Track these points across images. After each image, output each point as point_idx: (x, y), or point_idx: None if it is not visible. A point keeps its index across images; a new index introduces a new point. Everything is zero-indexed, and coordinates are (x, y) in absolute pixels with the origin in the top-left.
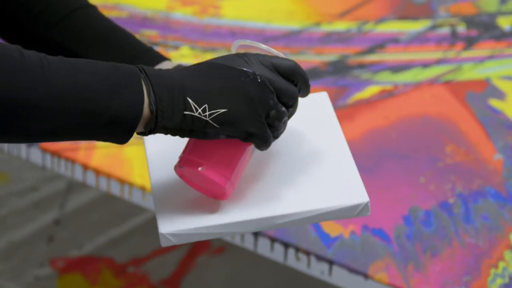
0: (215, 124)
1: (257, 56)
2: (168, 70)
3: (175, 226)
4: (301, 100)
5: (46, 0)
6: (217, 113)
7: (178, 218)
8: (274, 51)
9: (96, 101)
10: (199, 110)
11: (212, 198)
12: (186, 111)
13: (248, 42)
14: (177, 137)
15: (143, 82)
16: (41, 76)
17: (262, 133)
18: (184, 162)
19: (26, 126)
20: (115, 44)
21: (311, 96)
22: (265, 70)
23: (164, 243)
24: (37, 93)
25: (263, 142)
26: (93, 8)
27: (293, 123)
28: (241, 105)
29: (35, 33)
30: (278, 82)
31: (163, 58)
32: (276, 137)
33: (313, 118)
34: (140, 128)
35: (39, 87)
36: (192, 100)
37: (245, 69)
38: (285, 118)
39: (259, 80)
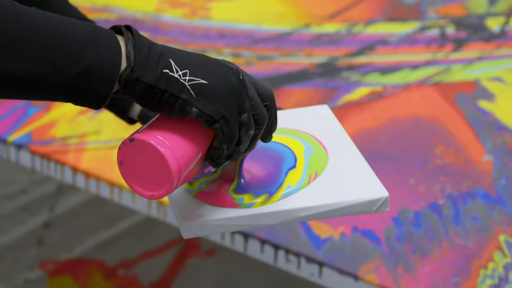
0: (191, 91)
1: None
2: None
3: (198, 217)
4: (304, 112)
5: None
6: (197, 82)
7: (200, 209)
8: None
9: (70, 47)
10: (180, 73)
11: (146, 196)
12: (165, 69)
13: None
14: None
15: (122, 37)
16: (12, 17)
17: (233, 122)
18: (137, 135)
19: None
20: None
21: (313, 108)
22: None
23: (186, 235)
24: (6, 32)
25: (229, 134)
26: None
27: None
28: (221, 86)
29: None
30: (254, 95)
31: None
32: (234, 154)
33: (319, 126)
34: (116, 85)
35: (8, 26)
36: (174, 62)
37: (228, 63)
38: (251, 132)
39: (240, 77)
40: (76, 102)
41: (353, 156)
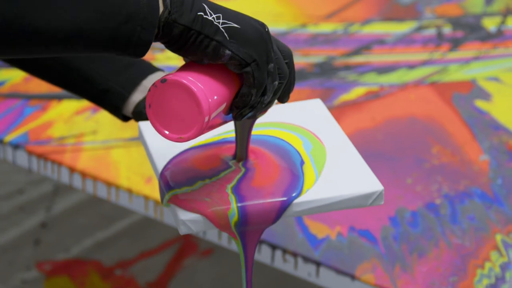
0: (225, 34)
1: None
2: None
3: (194, 213)
4: (297, 106)
5: None
6: (230, 25)
7: None
8: None
9: None
10: (213, 16)
11: (174, 139)
12: (200, 12)
13: None
14: None
15: None
16: None
17: (263, 67)
18: (169, 76)
19: (41, 22)
20: None
21: (305, 102)
22: None
23: (183, 231)
24: None
25: (259, 78)
26: None
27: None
28: (252, 32)
29: None
30: (277, 50)
31: (156, 69)
32: (258, 105)
33: (313, 119)
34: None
35: None
36: (207, 7)
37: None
38: (275, 83)
39: (266, 29)
40: (120, 52)
41: (347, 149)
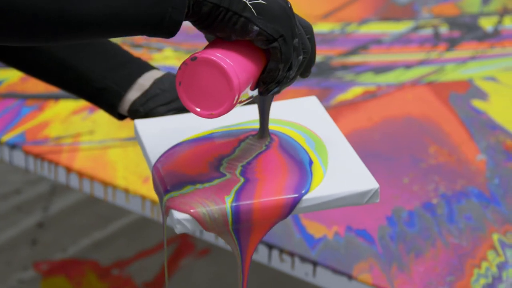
0: (253, 10)
1: None
2: None
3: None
4: (292, 103)
5: None
6: (257, 2)
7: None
8: None
9: None
10: None
11: (205, 116)
12: None
13: None
14: (169, 123)
15: None
16: None
17: (289, 42)
18: (199, 54)
19: (77, 9)
20: (105, 50)
21: (300, 100)
22: None
23: (179, 230)
24: None
25: (286, 53)
26: None
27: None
28: (278, 8)
29: None
30: (299, 25)
31: (151, 67)
32: (283, 80)
33: (309, 117)
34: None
35: None
36: None
37: None
38: (300, 57)
39: (289, 5)
40: (151, 33)
41: (343, 147)
